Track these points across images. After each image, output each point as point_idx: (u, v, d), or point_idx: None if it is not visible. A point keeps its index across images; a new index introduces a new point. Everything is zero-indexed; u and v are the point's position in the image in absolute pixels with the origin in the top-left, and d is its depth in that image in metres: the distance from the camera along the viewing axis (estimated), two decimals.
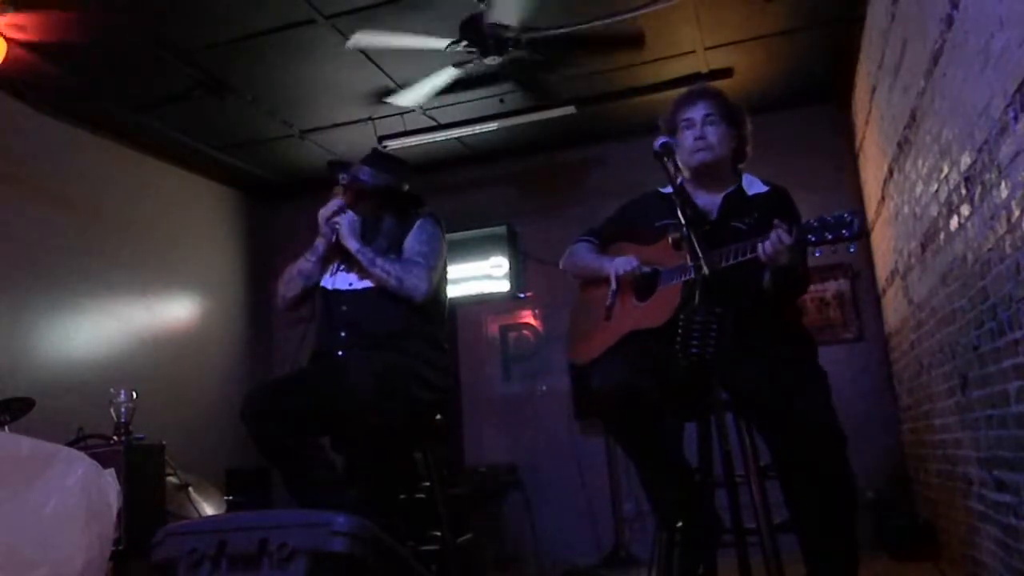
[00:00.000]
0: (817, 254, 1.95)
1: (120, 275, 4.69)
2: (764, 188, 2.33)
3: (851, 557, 1.98)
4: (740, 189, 2.33)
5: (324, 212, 2.67)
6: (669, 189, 2.42)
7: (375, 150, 2.84)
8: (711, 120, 2.30)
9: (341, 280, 2.68)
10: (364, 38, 3.70)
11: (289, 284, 2.75)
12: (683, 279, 2.13)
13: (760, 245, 1.97)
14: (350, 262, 2.66)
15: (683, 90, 2.45)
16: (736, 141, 2.35)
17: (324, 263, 2.72)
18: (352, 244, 2.61)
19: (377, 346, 2.55)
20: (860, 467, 1.98)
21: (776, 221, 1.95)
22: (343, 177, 2.71)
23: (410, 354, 2.56)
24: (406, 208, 2.80)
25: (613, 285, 2.28)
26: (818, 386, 2.02)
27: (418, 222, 2.71)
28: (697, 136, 2.29)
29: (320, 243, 2.70)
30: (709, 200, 2.31)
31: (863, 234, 1.89)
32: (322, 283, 2.72)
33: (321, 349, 2.66)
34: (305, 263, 2.73)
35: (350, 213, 2.65)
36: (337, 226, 2.63)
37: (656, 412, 2.11)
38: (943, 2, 2.51)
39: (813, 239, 1.89)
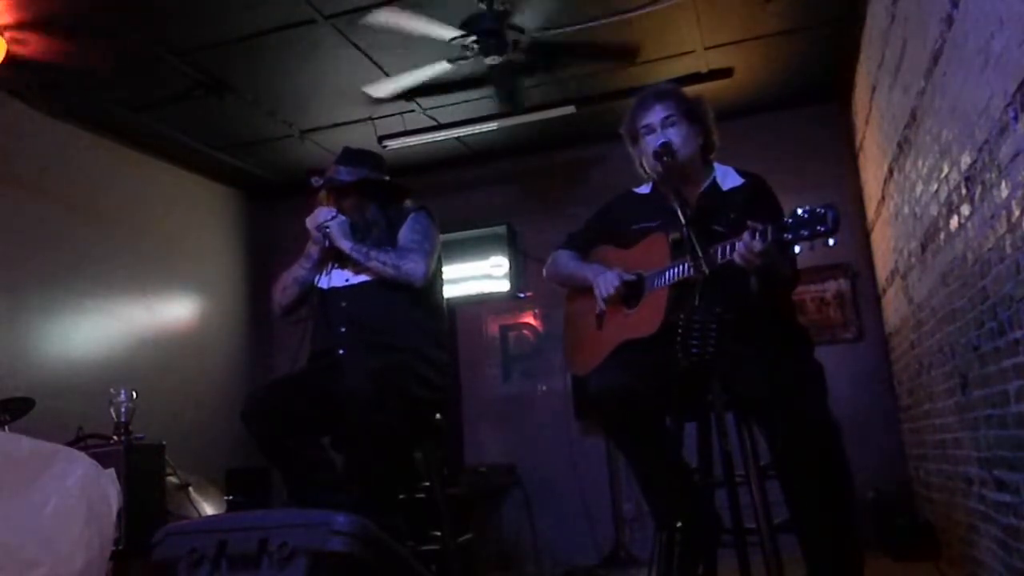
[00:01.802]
0: (797, 250, 1.90)
1: (120, 275, 4.69)
2: (740, 180, 2.30)
3: (852, 555, 1.97)
4: (715, 185, 2.30)
5: (311, 220, 2.68)
6: (644, 190, 2.43)
7: (346, 148, 2.83)
8: (671, 121, 2.25)
9: (337, 277, 2.69)
10: (384, 16, 3.68)
11: (285, 291, 2.75)
12: (667, 283, 2.12)
13: (733, 253, 1.93)
14: (344, 260, 2.67)
15: (637, 96, 2.39)
16: (702, 136, 2.30)
17: (319, 267, 2.72)
18: (345, 245, 2.62)
19: (377, 341, 2.55)
20: (860, 467, 1.98)
21: (749, 223, 1.90)
22: (316, 181, 2.72)
23: (410, 351, 2.56)
24: (391, 197, 2.81)
25: (601, 305, 2.27)
26: (815, 383, 2.02)
27: (411, 216, 2.72)
28: (662, 141, 2.23)
29: (314, 249, 2.70)
30: (686, 202, 2.29)
31: (838, 227, 1.82)
32: (317, 283, 2.72)
33: (320, 348, 2.66)
34: (300, 270, 2.73)
35: (340, 217, 2.67)
36: (327, 230, 2.64)
37: (655, 413, 2.11)
38: (943, 2, 2.51)
39: (789, 237, 1.84)
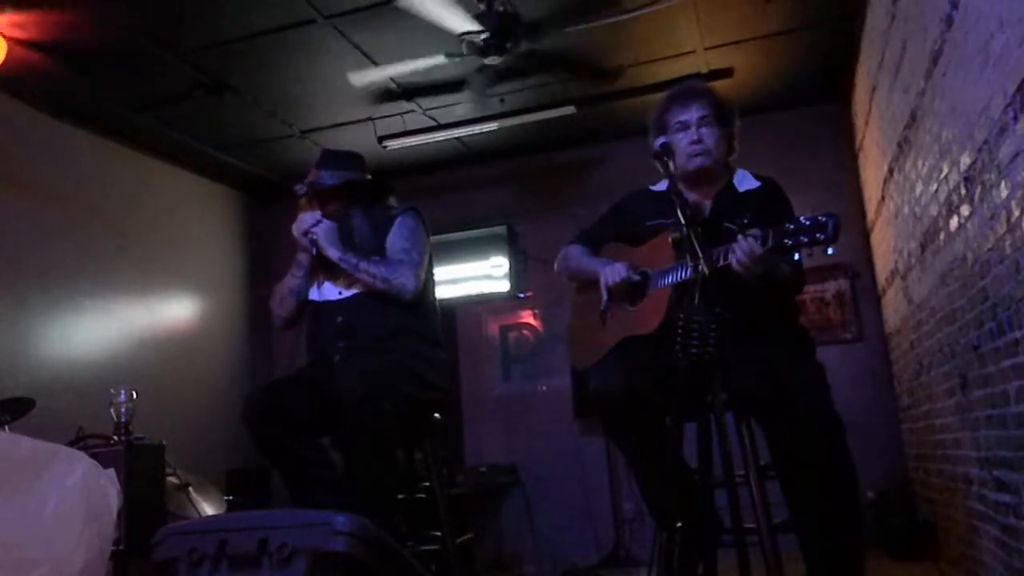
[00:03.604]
0: (796, 257, 1.90)
1: (120, 275, 4.69)
2: (756, 183, 2.30)
3: (853, 554, 1.97)
4: (731, 186, 2.30)
5: (297, 227, 2.63)
6: (660, 187, 2.41)
7: (324, 151, 2.77)
8: (707, 122, 2.25)
9: (329, 291, 2.65)
10: (365, 75, 3.81)
11: (282, 303, 2.73)
12: (671, 283, 2.11)
13: (732, 257, 1.93)
14: (334, 272, 2.62)
15: (670, 90, 2.39)
16: (728, 140, 2.31)
17: (310, 276, 2.69)
18: (333, 253, 2.57)
19: (375, 349, 2.55)
20: (860, 467, 1.97)
21: (748, 232, 1.89)
22: (300, 187, 2.66)
23: (405, 351, 2.55)
24: (375, 197, 2.77)
25: (605, 296, 2.26)
26: (816, 379, 2.02)
27: (398, 218, 2.67)
28: (694, 140, 2.23)
29: (304, 257, 2.67)
30: (702, 201, 2.28)
31: (838, 236, 1.82)
32: (310, 297, 2.69)
33: (319, 358, 2.65)
34: (293, 279, 2.70)
35: (324, 221, 2.61)
36: (314, 237, 2.59)
37: (655, 413, 2.11)
38: (943, 2, 2.51)
39: (790, 243, 1.83)
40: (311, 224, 2.60)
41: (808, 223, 1.81)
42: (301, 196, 2.67)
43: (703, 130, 2.24)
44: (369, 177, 2.78)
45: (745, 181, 2.31)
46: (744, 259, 1.91)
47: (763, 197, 2.25)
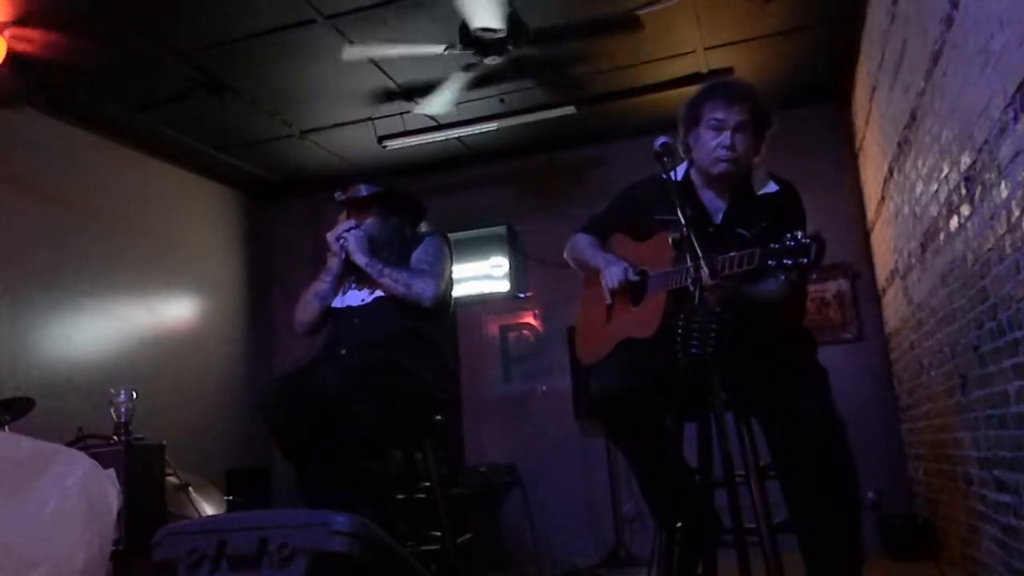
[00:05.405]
0: (782, 278, 1.89)
1: (120, 275, 4.69)
2: (774, 188, 2.25)
3: (854, 556, 1.97)
4: (748, 188, 2.24)
5: (332, 233, 2.77)
6: (674, 176, 2.37)
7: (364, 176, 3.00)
8: (744, 129, 2.16)
9: (352, 297, 2.75)
10: (358, 50, 3.71)
11: (306, 308, 2.79)
12: (667, 289, 2.10)
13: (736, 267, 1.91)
14: (361, 279, 2.73)
15: (716, 81, 2.33)
16: (758, 145, 2.24)
17: (338, 282, 2.79)
18: (361, 259, 2.69)
19: (376, 347, 2.58)
20: (860, 467, 1.98)
21: (702, 260, 1.87)
22: (339, 195, 2.84)
23: (407, 353, 2.59)
24: (408, 216, 2.89)
25: (607, 298, 2.27)
26: (817, 382, 2.02)
27: (425, 239, 2.81)
28: (726, 145, 2.15)
29: (334, 262, 2.77)
30: (716, 200, 2.26)
31: (821, 260, 1.81)
32: (333, 304, 2.77)
33: (322, 357, 2.69)
34: (321, 284, 2.79)
35: (357, 230, 2.75)
36: (345, 243, 2.72)
37: (655, 413, 2.11)
38: (943, 2, 2.51)
39: (773, 263, 1.81)
40: (344, 231, 2.75)
41: (792, 244, 1.79)
42: (340, 203, 2.85)
43: (738, 137, 2.15)
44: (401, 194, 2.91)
45: (764, 183, 2.26)
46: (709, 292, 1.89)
47: (779, 203, 2.21)
